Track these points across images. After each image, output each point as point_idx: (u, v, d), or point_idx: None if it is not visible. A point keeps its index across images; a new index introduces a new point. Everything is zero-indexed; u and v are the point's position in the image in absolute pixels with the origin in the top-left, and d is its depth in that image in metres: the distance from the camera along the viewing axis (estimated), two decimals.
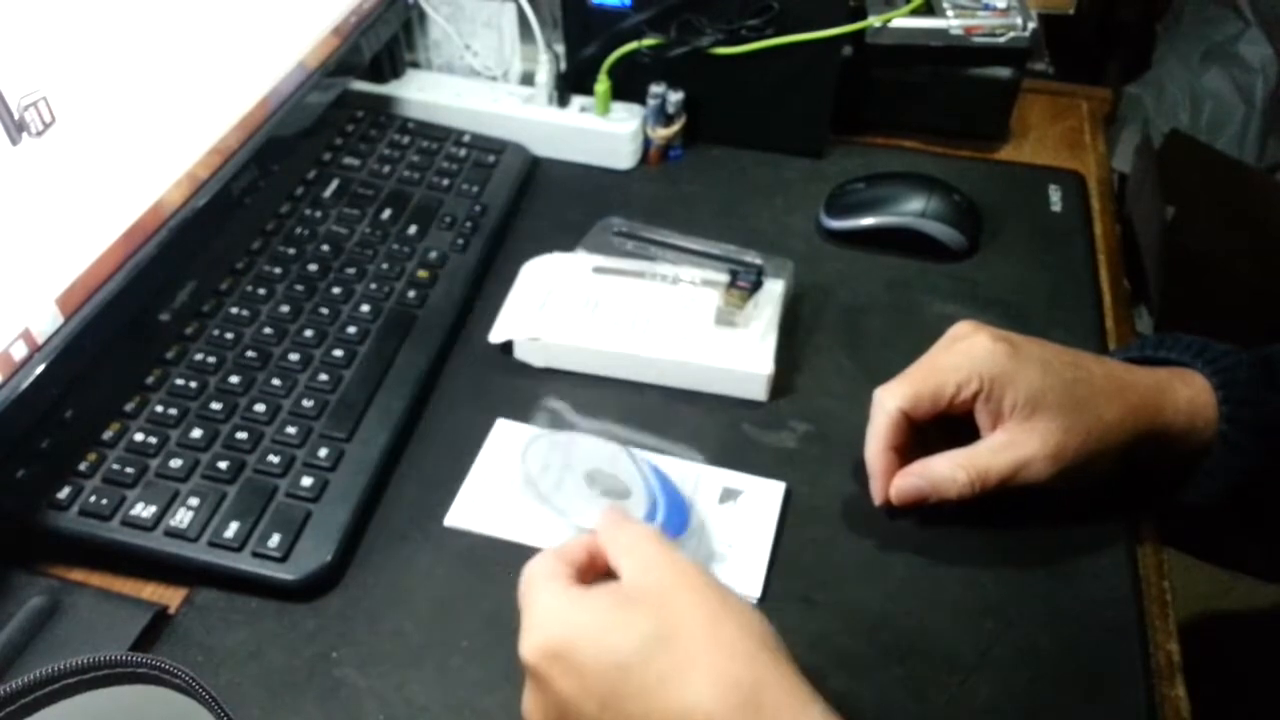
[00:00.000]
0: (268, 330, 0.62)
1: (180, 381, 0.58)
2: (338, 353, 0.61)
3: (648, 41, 0.76)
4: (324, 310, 0.63)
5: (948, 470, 0.52)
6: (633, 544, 0.42)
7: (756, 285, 0.64)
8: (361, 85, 0.82)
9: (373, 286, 0.66)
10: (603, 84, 0.78)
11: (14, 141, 0.47)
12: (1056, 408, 0.50)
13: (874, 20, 0.78)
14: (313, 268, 0.66)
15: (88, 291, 0.53)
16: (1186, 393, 0.53)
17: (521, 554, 0.44)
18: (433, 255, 0.69)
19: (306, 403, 0.58)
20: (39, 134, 0.48)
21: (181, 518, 0.52)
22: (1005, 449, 0.51)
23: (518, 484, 0.56)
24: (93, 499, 0.52)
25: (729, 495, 0.56)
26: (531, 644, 0.40)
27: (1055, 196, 0.79)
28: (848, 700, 0.39)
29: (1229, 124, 1.59)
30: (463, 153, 0.78)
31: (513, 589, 0.43)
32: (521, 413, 0.60)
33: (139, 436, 0.55)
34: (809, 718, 0.37)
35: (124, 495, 0.52)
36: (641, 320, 0.63)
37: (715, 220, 0.75)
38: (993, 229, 0.75)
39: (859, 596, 0.52)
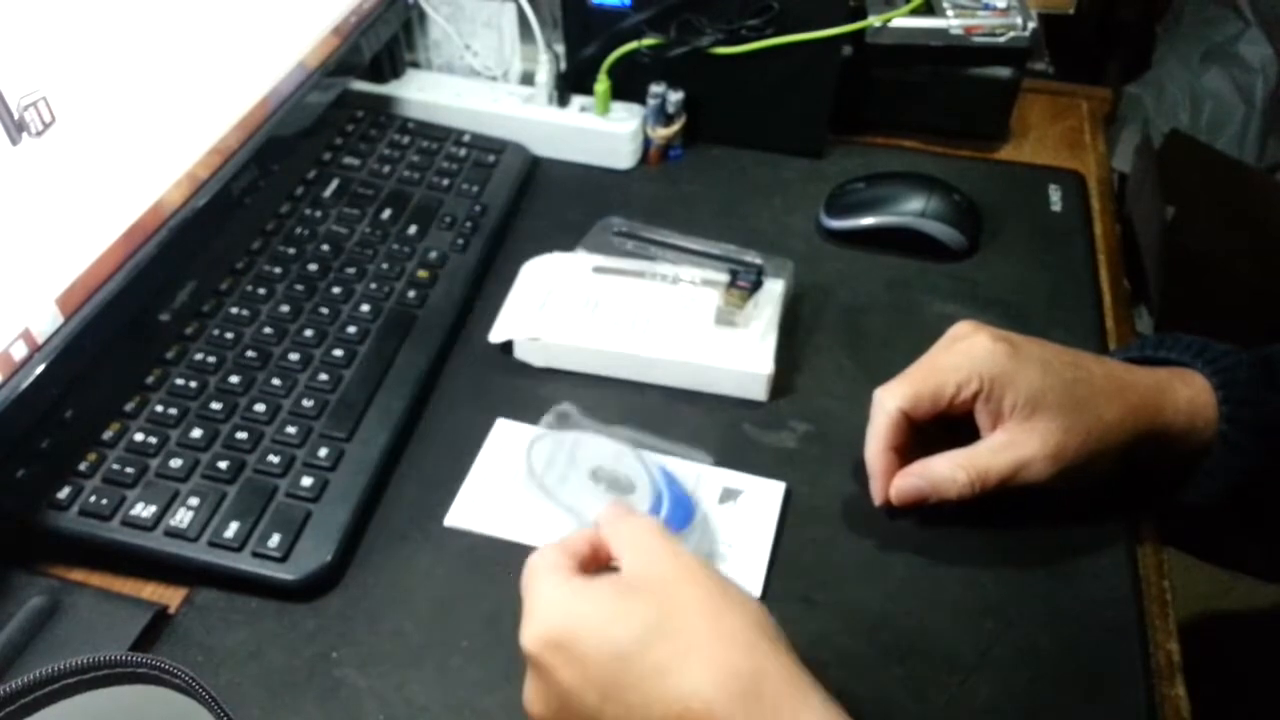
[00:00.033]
0: (268, 330, 0.62)
1: (180, 381, 0.58)
2: (338, 352, 0.61)
3: (648, 41, 0.76)
4: (324, 310, 0.63)
5: (948, 470, 0.52)
6: (634, 536, 0.43)
7: (756, 285, 0.64)
8: (361, 85, 0.82)
9: (373, 286, 0.66)
10: (603, 84, 0.78)
11: (14, 141, 0.47)
12: (1056, 408, 0.50)
13: (874, 20, 0.78)
14: (313, 267, 0.66)
15: (88, 291, 0.53)
16: (1186, 393, 0.53)
17: (521, 554, 0.44)
18: (433, 255, 0.69)
19: (306, 402, 0.58)
20: (39, 134, 0.48)
21: (181, 518, 0.52)
22: (1005, 449, 0.51)
23: (522, 480, 0.56)
24: (93, 499, 0.52)
25: (729, 495, 0.56)
26: (532, 634, 0.40)
27: (1055, 196, 0.79)
28: (848, 700, 0.39)
29: (1229, 124, 1.59)
30: (463, 153, 0.78)
31: (513, 589, 0.43)
32: (521, 413, 0.60)
33: (139, 436, 0.55)
34: (808, 706, 0.38)
35: (124, 495, 0.52)
36: (641, 320, 0.63)
37: (715, 220, 0.75)
38: (993, 229, 0.75)
39: (859, 596, 0.52)
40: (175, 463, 0.54)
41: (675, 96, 0.78)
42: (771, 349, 0.62)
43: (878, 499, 0.54)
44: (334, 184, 0.73)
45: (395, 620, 0.51)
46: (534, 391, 0.62)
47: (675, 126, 0.79)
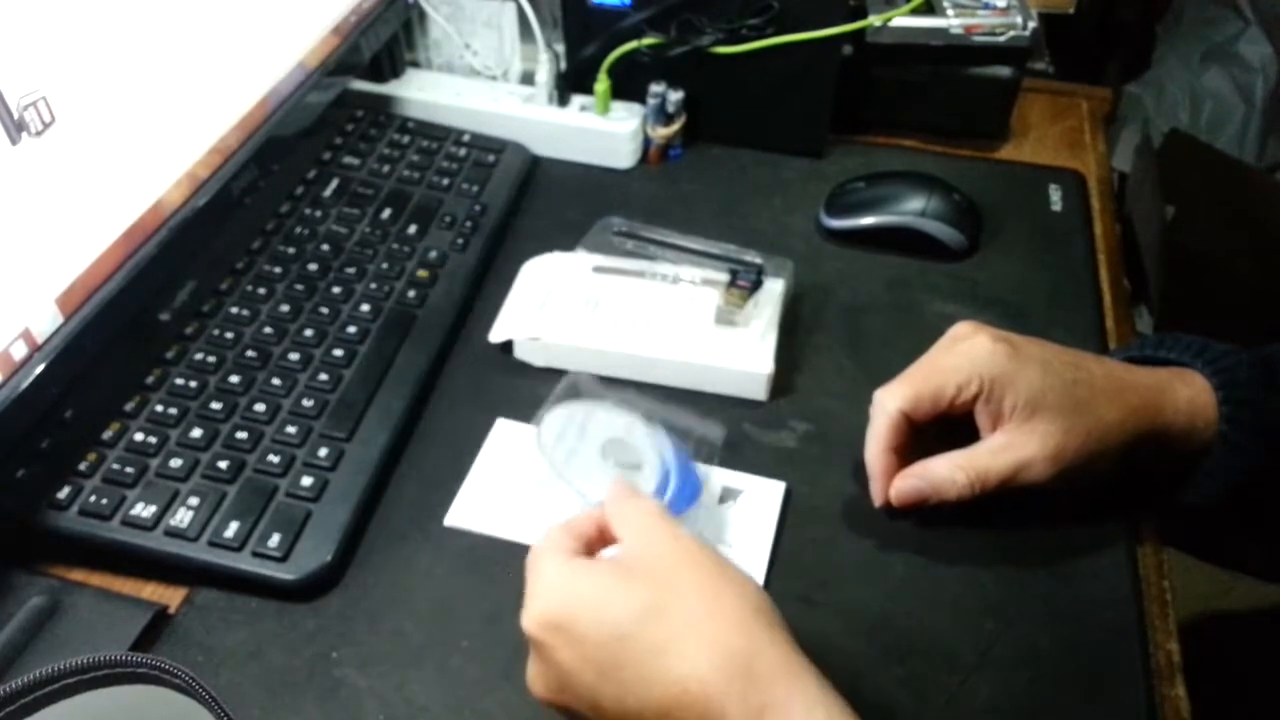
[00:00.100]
0: (268, 330, 0.62)
1: (180, 381, 0.58)
2: (338, 352, 0.61)
3: (648, 41, 0.76)
4: (324, 310, 0.63)
5: (947, 471, 0.52)
6: (635, 517, 0.43)
7: (756, 285, 0.64)
8: (361, 85, 0.82)
9: (373, 286, 0.66)
10: (603, 83, 0.78)
11: (14, 141, 0.47)
12: (1056, 409, 0.50)
13: (874, 20, 0.78)
14: (313, 267, 0.66)
15: (88, 291, 0.53)
16: (1186, 393, 0.53)
17: (522, 554, 0.44)
18: (433, 255, 0.69)
19: (306, 402, 0.58)
20: (39, 134, 0.48)
21: (181, 517, 0.52)
22: (1005, 450, 0.51)
23: (532, 450, 0.56)
24: (93, 499, 0.52)
25: (729, 495, 0.56)
26: (532, 615, 0.41)
27: (1055, 196, 0.79)
28: (847, 700, 0.39)
29: (1229, 124, 1.59)
30: (463, 152, 0.78)
31: (513, 589, 0.43)
32: (521, 412, 0.60)
33: (139, 436, 0.55)
34: (802, 686, 0.38)
35: (124, 495, 0.52)
36: (641, 320, 0.63)
37: (715, 220, 0.75)
38: (993, 229, 0.75)
39: (859, 596, 0.52)
40: (175, 462, 0.54)
41: (675, 96, 0.78)
42: (771, 349, 0.62)
43: (878, 500, 0.54)
44: (334, 184, 0.73)
45: (395, 620, 0.51)
46: (534, 391, 0.62)
47: (675, 126, 0.79)
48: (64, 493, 0.52)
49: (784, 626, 0.40)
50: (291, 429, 0.56)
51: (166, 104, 0.57)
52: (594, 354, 0.62)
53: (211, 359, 0.59)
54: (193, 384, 0.58)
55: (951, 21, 0.79)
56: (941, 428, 0.53)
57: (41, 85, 0.48)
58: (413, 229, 0.71)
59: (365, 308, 0.64)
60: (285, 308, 0.63)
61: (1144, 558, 0.55)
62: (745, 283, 0.64)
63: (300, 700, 0.48)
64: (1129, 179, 1.45)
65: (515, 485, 0.56)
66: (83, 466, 0.53)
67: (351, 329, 0.62)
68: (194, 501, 0.52)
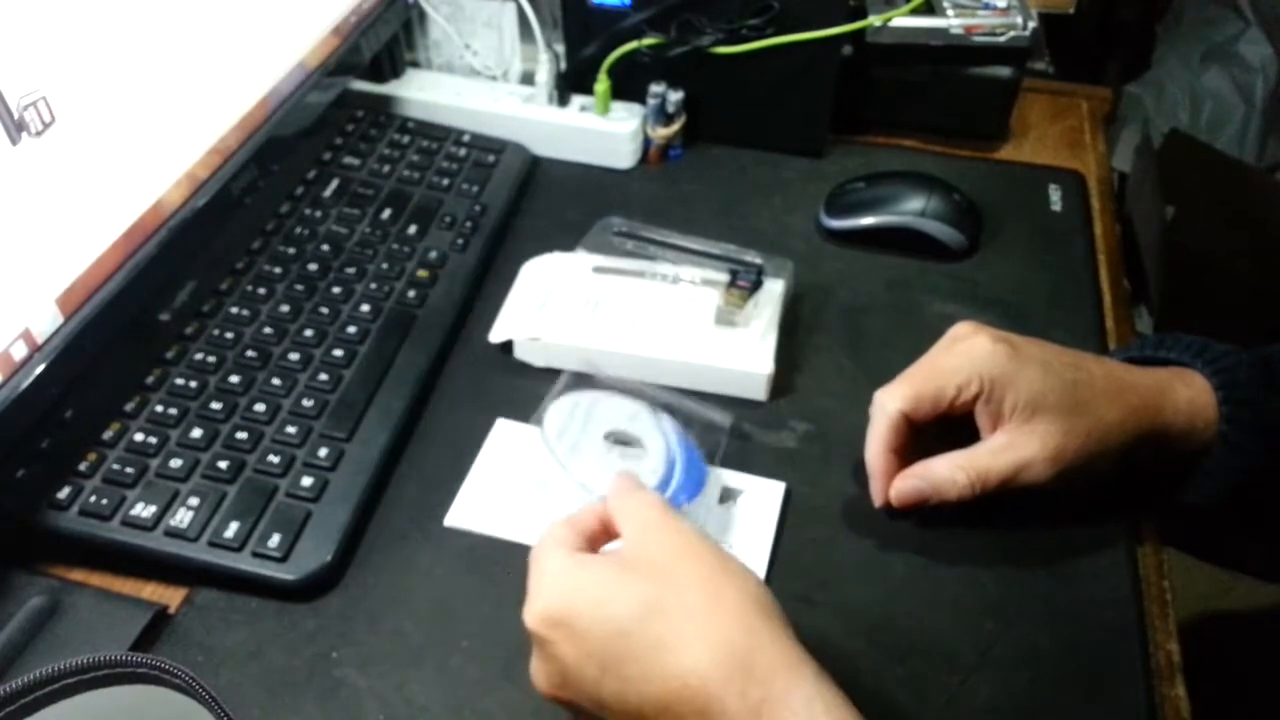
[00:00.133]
0: (268, 330, 0.62)
1: (180, 381, 0.58)
2: (338, 352, 0.61)
3: (648, 41, 0.76)
4: (324, 310, 0.63)
5: (948, 472, 0.52)
6: (638, 511, 0.43)
7: (756, 285, 0.64)
8: (361, 85, 0.82)
9: (373, 286, 0.66)
10: (603, 84, 0.78)
11: (14, 141, 0.47)
12: (1057, 409, 0.50)
13: (874, 20, 0.78)
14: (313, 267, 0.66)
15: (88, 291, 0.53)
16: (1186, 393, 0.53)
17: (522, 554, 0.44)
18: (433, 255, 0.69)
19: (306, 402, 0.58)
20: (39, 134, 0.48)
21: (181, 518, 0.52)
22: (1005, 450, 0.51)
23: (532, 449, 0.56)
24: (93, 499, 0.52)
25: (729, 495, 0.56)
26: (534, 610, 0.41)
27: (1055, 196, 0.79)
28: (847, 698, 0.39)
29: (1229, 124, 1.59)
30: (463, 152, 0.78)
31: (513, 589, 0.43)
32: (521, 412, 0.60)
33: (139, 436, 0.55)
34: (801, 681, 0.38)
35: (124, 495, 0.52)
36: (641, 320, 0.63)
37: (715, 220, 0.75)
38: (993, 229, 0.75)
39: (859, 596, 0.52)
40: (175, 463, 0.54)
41: (675, 96, 0.78)
42: (771, 349, 0.62)
43: (878, 500, 0.54)
44: (334, 184, 0.73)
45: (395, 620, 0.51)
46: (534, 391, 0.62)
47: (675, 126, 0.79)
48: (64, 493, 0.52)
49: (784, 620, 0.40)
50: (291, 429, 0.56)
51: (166, 104, 0.57)
52: (594, 354, 0.62)
53: (211, 359, 0.59)
54: (193, 384, 0.58)
55: (951, 21, 0.79)
56: (942, 428, 0.53)
57: (41, 85, 0.48)
58: (413, 229, 0.71)
59: (365, 308, 0.64)
60: (285, 308, 0.63)
61: (1144, 558, 0.55)
62: (745, 283, 0.64)
63: (300, 700, 0.48)
64: (1129, 179, 1.45)
65: (515, 485, 0.56)
66: (83, 466, 0.53)
67: (351, 329, 0.62)
68: (194, 502, 0.52)
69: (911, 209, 0.72)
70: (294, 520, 0.52)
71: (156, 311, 0.62)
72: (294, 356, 0.60)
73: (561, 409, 0.57)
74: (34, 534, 0.51)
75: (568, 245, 0.68)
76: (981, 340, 0.52)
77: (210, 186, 0.61)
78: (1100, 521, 0.56)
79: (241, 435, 0.56)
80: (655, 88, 0.77)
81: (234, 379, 0.58)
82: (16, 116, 0.47)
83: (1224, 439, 0.52)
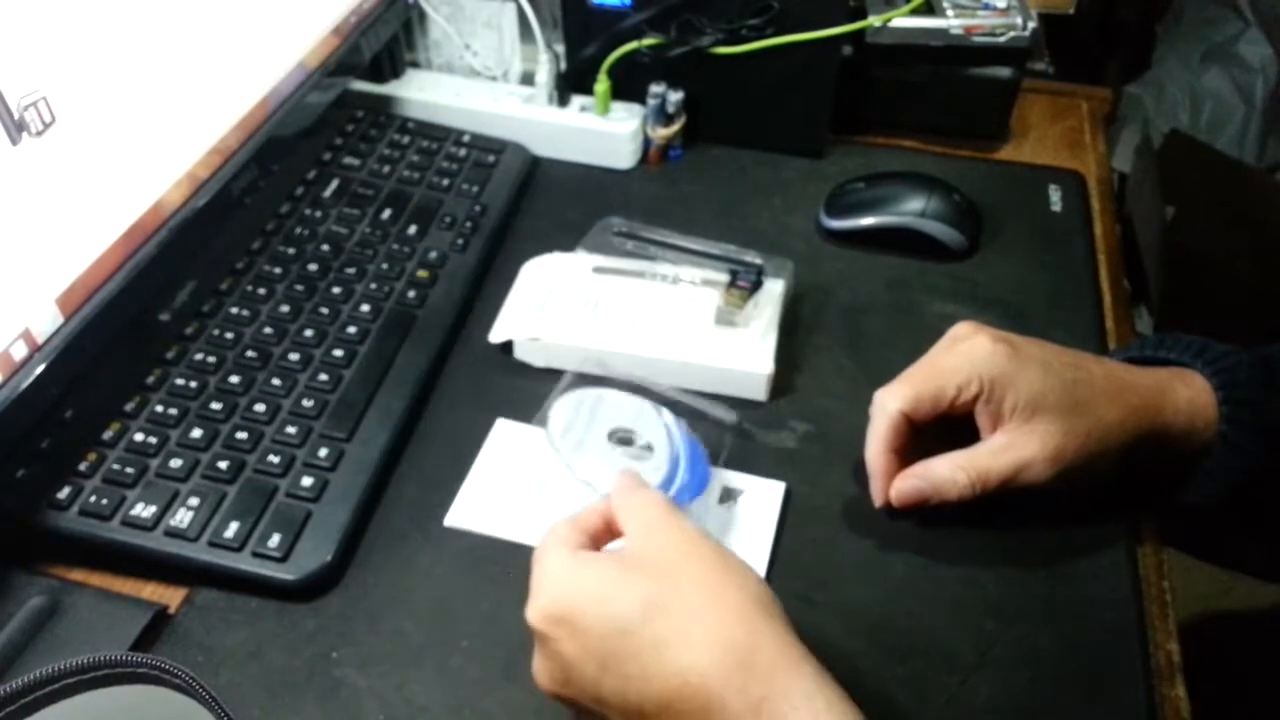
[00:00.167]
0: (268, 330, 0.62)
1: (180, 381, 0.58)
2: (338, 353, 0.61)
3: (648, 41, 0.76)
4: (324, 310, 0.63)
5: (948, 472, 0.52)
6: (640, 510, 0.44)
7: (756, 285, 0.64)
8: (361, 85, 0.82)
9: (373, 286, 0.66)
10: (603, 84, 0.78)
11: (14, 141, 0.47)
12: (1057, 409, 0.50)
13: (874, 20, 0.78)
14: (313, 267, 0.66)
15: (88, 291, 0.53)
16: (1186, 393, 0.53)
17: (521, 554, 0.44)
18: (433, 255, 0.69)
19: (306, 403, 0.58)
20: (39, 134, 0.48)
21: (181, 518, 0.52)
22: (1005, 450, 0.51)
23: (533, 449, 0.56)
24: (93, 499, 0.52)
25: (729, 495, 0.56)
26: (537, 608, 0.41)
27: (1055, 196, 0.79)
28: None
29: (1229, 124, 1.59)
30: (463, 153, 0.78)
31: (513, 589, 0.43)
32: (521, 412, 0.60)
33: (139, 436, 0.55)
34: (800, 678, 0.38)
35: (124, 495, 0.52)
36: (641, 320, 0.63)
37: (715, 220, 0.75)
38: (993, 229, 0.75)
39: (859, 596, 0.52)
40: (175, 463, 0.54)
41: (675, 96, 0.78)
42: (771, 349, 0.62)
43: (878, 500, 0.54)
44: (334, 184, 0.73)
45: (395, 620, 0.51)
46: (534, 391, 0.62)
47: (675, 126, 0.79)
48: (64, 493, 0.52)
49: (785, 618, 0.40)
50: (291, 429, 0.56)
51: (166, 104, 0.57)
52: (594, 354, 0.62)
53: (211, 359, 0.59)
54: (193, 384, 0.58)
55: (951, 22, 0.79)
56: (942, 428, 0.53)
57: (41, 85, 0.48)
58: (413, 229, 0.71)
59: (365, 308, 0.64)
60: (285, 308, 0.63)
61: (1144, 558, 0.55)
62: (745, 283, 0.64)
63: (300, 700, 0.48)
64: (1129, 179, 1.45)
65: (515, 485, 0.56)
66: (83, 466, 0.53)
67: (351, 329, 0.62)
68: (194, 502, 0.52)
69: (911, 209, 0.72)
70: (294, 520, 0.52)
71: (156, 311, 0.62)
72: (294, 356, 0.60)
73: (566, 407, 0.57)
74: (34, 534, 0.51)
75: (568, 245, 0.68)
76: (981, 340, 0.52)
77: (210, 186, 0.61)
78: (1100, 521, 0.56)
79: (241, 435, 0.56)
80: (655, 88, 0.77)
81: (234, 379, 0.58)
82: (16, 116, 0.47)
83: (1224, 439, 0.52)
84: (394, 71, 0.83)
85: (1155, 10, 1.69)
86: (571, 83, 0.80)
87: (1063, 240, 0.75)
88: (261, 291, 0.64)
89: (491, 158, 0.78)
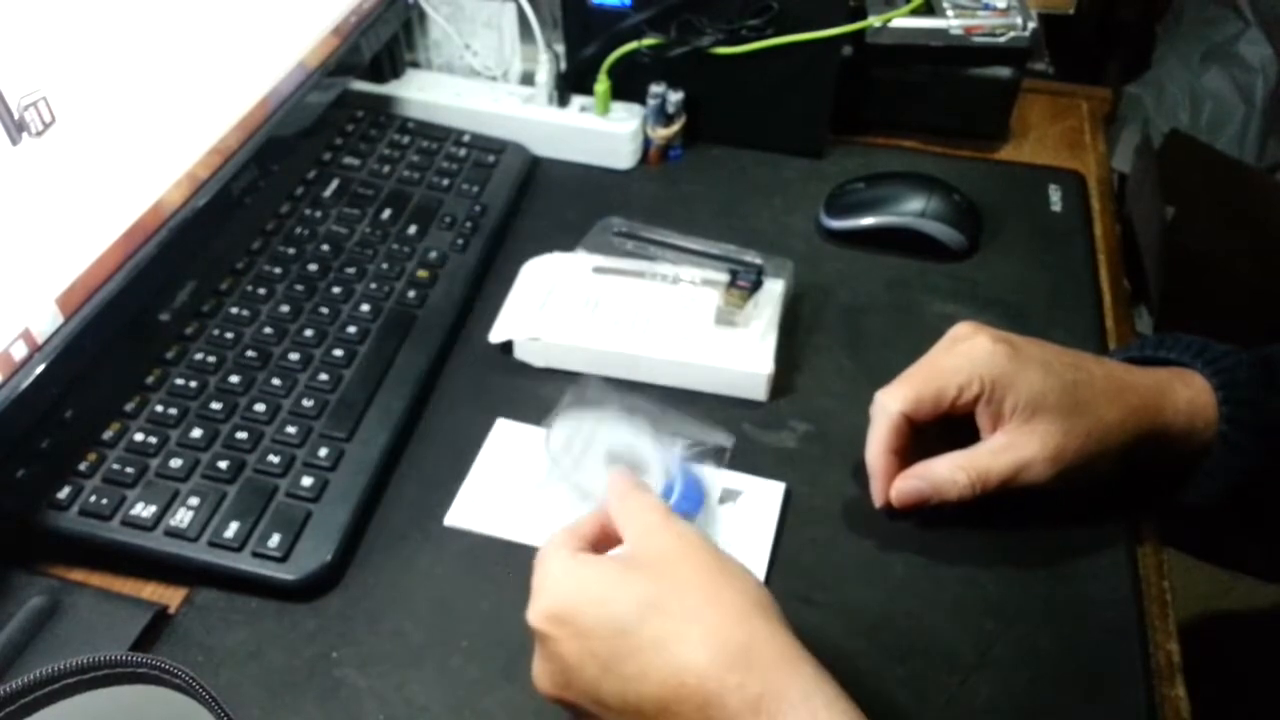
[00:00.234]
0: (268, 330, 0.62)
1: (180, 381, 0.58)
2: (338, 352, 0.61)
3: (648, 41, 0.76)
4: (324, 310, 0.63)
5: (948, 472, 0.52)
6: (638, 514, 0.44)
7: (756, 285, 0.64)
8: (361, 85, 0.82)
9: (373, 286, 0.66)
10: (603, 84, 0.78)
11: (14, 141, 0.47)
12: (1057, 409, 0.50)
13: (874, 20, 0.78)
14: (313, 267, 0.66)
15: (88, 291, 0.53)
16: (1186, 393, 0.53)
17: (521, 553, 0.44)
18: (433, 255, 0.69)
19: (306, 402, 0.58)
20: (39, 134, 0.48)
21: (181, 518, 0.52)
22: (1005, 451, 0.51)
23: (540, 459, 0.56)
24: (93, 499, 0.52)
25: (729, 495, 0.56)
26: (538, 608, 0.41)
27: (1055, 196, 0.79)
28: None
29: (1229, 124, 1.59)
30: (463, 153, 0.78)
31: (513, 589, 0.43)
32: (522, 412, 0.60)
33: (139, 436, 0.55)
34: (799, 674, 0.38)
35: (124, 495, 0.52)
36: (641, 320, 0.63)
37: (715, 220, 0.75)
38: (993, 229, 0.75)
39: (859, 596, 0.52)
40: (175, 463, 0.54)
41: (675, 96, 0.78)
42: (771, 349, 0.62)
43: (878, 501, 0.54)
44: (334, 184, 0.73)
45: (395, 620, 0.51)
46: (534, 391, 0.62)
47: (675, 126, 0.79)
48: (64, 493, 0.52)
49: (783, 619, 0.40)
50: (291, 429, 0.56)
51: (166, 104, 0.57)
52: (594, 354, 0.62)
53: (211, 359, 0.59)
54: (193, 384, 0.58)
55: (951, 22, 0.79)
56: (942, 428, 0.53)
57: (41, 85, 0.48)
58: (413, 229, 0.71)
59: (365, 308, 0.64)
60: (285, 308, 0.63)
61: (1144, 558, 0.55)
62: (745, 283, 0.64)
63: (300, 700, 0.48)
64: (1129, 179, 1.45)
65: (515, 485, 0.56)
66: (83, 466, 0.53)
67: (351, 329, 0.62)
68: (194, 501, 0.52)
69: (911, 209, 0.72)
70: (294, 520, 0.52)
71: (156, 311, 0.62)
72: (294, 356, 0.60)
73: (565, 427, 0.57)
74: (34, 534, 0.51)
75: (568, 245, 0.68)
76: (982, 341, 0.52)
77: (210, 186, 0.61)
78: (1100, 521, 0.56)
79: (241, 435, 0.56)
80: (655, 88, 0.77)
81: (234, 379, 0.58)
82: (16, 116, 0.47)
83: (1224, 439, 0.52)
84: (394, 71, 0.83)
85: (1155, 10, 1.69)
86: (571, 83, 0.80)
87: (1063, 240, 0.75)
88: (261, 291, 0.64)
89: (491, 158, 0.78)
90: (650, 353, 0.62)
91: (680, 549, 0.42)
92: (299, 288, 0.65)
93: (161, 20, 0.56)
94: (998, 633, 0.51)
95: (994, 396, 0.51)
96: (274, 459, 0.55)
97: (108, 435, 0.55)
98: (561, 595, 0.41)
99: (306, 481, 0.54)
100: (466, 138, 0.79)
